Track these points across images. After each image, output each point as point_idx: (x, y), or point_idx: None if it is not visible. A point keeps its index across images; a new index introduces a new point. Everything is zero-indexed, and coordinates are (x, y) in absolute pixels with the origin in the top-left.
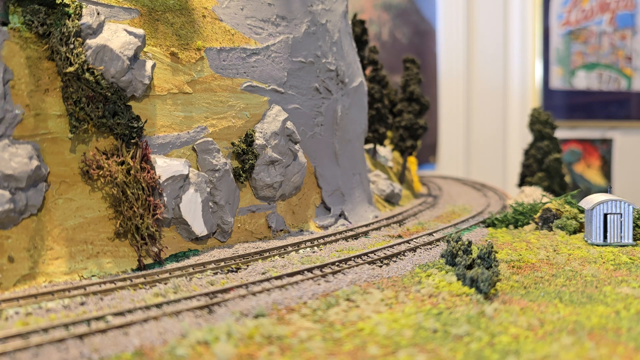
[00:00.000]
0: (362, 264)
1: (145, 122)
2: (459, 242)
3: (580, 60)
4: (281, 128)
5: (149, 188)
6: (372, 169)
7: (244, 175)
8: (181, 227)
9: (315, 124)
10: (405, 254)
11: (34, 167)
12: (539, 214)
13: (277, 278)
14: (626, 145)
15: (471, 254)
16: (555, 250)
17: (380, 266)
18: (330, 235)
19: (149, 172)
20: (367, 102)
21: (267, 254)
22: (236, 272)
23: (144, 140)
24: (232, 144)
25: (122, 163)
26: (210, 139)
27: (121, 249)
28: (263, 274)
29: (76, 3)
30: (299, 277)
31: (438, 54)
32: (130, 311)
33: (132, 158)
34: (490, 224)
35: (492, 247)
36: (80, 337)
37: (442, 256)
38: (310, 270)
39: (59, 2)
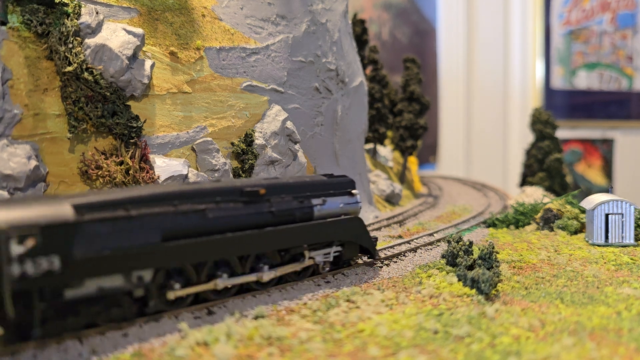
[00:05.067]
0: (362, 264)
1: (145, 121)
2: (460, 243)
3: (581, 60)
4: (281, 128)
5: None
6: (372, 169)
7: (243, 175)
8: None
9: (315, 123)
10: (406, 254)
11: (32, 167)
12: (540, 214)
13: None
14: (627, 145)
15: (472, 254)
16: (556, 251)
17: (381, 267)
18: None
19: (148, 172)
20: (367, 102)
21: None
22: None
23: (143, 140)
24: (232, 143)
25: (121, 163)
26: (209, 138)
27: None
28: None
29: (75, 2)
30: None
31: (438, 54)
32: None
33: (131, 158)
34: (491, 224)
35: (493, 248)
36: (79, 338)
37: (443, 257)
38: None
39: (57, 2)
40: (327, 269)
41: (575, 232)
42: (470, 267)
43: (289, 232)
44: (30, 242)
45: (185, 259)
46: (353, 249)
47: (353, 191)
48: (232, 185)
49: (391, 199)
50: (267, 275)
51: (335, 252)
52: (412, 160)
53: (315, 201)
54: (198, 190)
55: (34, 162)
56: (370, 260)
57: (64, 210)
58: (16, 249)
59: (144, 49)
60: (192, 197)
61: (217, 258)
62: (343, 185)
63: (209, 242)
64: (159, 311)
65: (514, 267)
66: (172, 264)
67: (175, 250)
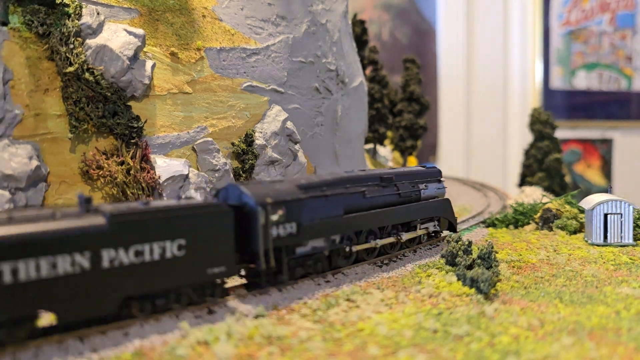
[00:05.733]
0: (362, 263)
1: (145, 122)
2: (459, 242)
3: (581, 60)
4: (281, 128)
5: (148, 188)
6: (373, 169)
7: (244, 175)
8: None
9: (315, 124)
10: (406, 254)
11: (33, 167)
12: (539, 214)
13: None
14: (626, 145)
15: (471, 254)
16: (555, 251)
17: (381, 266)
18: None
19: (148, 172)
20: (367, 102)
21: None
22: None
23: (143, 140)
24: (232, 144)
25: (122, 163)
26: (210, 139)
27: None
28: None
29: (76, 3)
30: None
31: (438, 54)
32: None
33: (132, 158)
34: (490, 224)
35: (492, 247)
36: (80, 337)
37: (442, 256)
38: None
39: (59, 2)
40: (425, 239)
41: (575, 232)
42: (470, 267)
43: (410, 209)
44: (280, 212)
45: (356, 227)
46: (444, 223)
47: (441, 179)
48: (374, 173)
49: None
50: (406, 236)
51: (434, 225)
52: (412, 160)
53: (421, 186)
54: (358, 177)
55: (35, 162)
56: (451, 232)
57: (296, 190)
58: (273, 217)
59: (144, 49)
60: (356, 181)
61: (372, 227)
62: (435, 174)
63: (369, 215)
64: (339, 267)
65: (513, 267)
66: (349, 231)
67: (351, 221)
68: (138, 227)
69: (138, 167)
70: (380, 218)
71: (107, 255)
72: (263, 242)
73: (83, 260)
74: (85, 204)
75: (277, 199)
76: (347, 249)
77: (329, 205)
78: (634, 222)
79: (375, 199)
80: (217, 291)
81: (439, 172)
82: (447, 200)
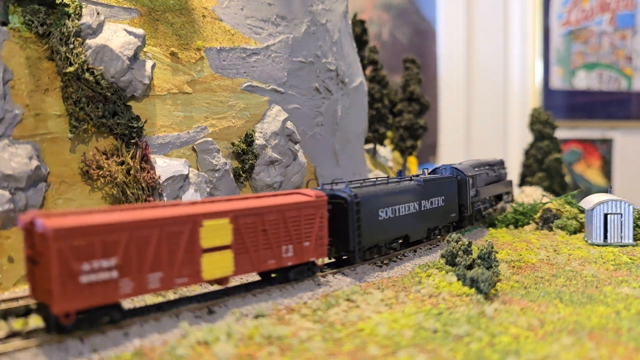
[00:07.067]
0: (362, 264)
1: (145, 122)
2: (459, 242)
3: (581, 60)
4: (281, 128)
5: (148, 188)
6: (372, 169)
7: (244, 175)
8: None
9: (315, 124)
10: (406, 254)
11: (33, 167)
12: (539, 214)
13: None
14: (626, 145)
15: (471, 254)
16: (555, 251)
17: (381, 266)
18: None
19: (148, 172)
20: (367, 102)
21: None
22: None
23: (143, 140)
24: (232, 144)
25: (122, 163)
26: (210, 139)
27: None
28: None
29: (76, 3)
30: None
31: (438, 54)
32: (130, 311)
33: (132, 158)
34: (490, 223)
35: (492, 247)
36: (80, 337)
37: (442, 256)
38: None
39: (58, 2)
40: (502, 205)
41: (575, 232)
42: (470, 267)
43: (500, 185)
44: (471, 181)
45: (488, 195)
46: (511, 196)
47: (505, 166)
48: (483, 161)
49: None
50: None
51: (507, 197)
52: (412, 160)
53: (501, 170)
54: (480, 163)
55: (35, 162)
56: (509, 202)
57: (472, 169)
58: (470, 184)
59: (144, 49)
60: (482, 165)
61: (490, 195)
62: (502, 163)
63: (490, 187)
64: (478, 218)
65: (513, 267)
66: (488, 195)
67: (487, 190)
68: (432, 188)
69: (138, 167)
70: (494, 189)
71: (423, 203)
72: (469, 197)
73: (416, 206)
74: (402, 174)
75: (471, 174)
76: (483, 207)
77: (481, 179)
78: (634, 222)
79: (490, 178)
80: (451, 229)
81: (504, 162)
82: (511, 180)
